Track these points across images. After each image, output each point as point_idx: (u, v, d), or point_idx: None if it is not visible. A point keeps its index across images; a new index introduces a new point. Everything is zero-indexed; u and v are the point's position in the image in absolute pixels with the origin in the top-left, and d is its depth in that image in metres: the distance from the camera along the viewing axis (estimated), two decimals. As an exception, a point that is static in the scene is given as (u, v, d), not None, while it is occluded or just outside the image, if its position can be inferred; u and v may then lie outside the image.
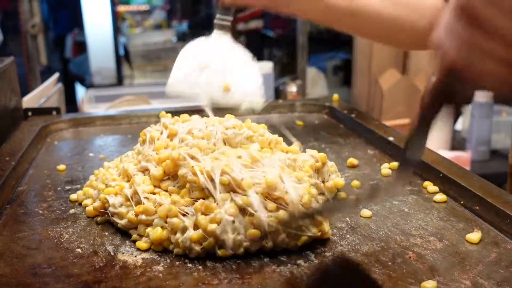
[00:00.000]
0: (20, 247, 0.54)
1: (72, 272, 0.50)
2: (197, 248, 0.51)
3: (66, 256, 0.53)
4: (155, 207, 0.55)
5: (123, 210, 0.57)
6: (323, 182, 0.65)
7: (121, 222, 0.57)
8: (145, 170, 0.61)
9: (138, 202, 0.57)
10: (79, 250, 0.54)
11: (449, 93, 0.39)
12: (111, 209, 0.58)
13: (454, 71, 0.37)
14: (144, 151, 0.64)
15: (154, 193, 0.58)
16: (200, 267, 0.50)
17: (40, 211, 0.63)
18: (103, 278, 0.48)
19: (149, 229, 0.54)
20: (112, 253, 0.53)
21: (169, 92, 0.71)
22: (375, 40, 0.84)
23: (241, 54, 0.68)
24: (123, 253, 0.53)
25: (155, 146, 0.64)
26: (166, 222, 0.54)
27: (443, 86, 0.38)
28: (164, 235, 0.53)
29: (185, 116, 0.71)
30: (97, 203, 0.60)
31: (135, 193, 0.58)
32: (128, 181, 0.61)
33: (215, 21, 0.68)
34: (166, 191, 0.59)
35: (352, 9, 0.69)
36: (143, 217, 0.55)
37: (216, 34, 0.68)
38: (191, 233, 0.52)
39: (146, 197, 0.57)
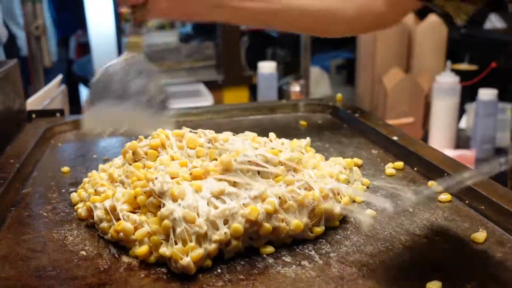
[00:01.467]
0: (25, 249, 0.55)
1: (77, 274, 0.50)
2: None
3: (70, 259, 0.53)
4: (135, 226, 0.53)
5: (105, 225, 0.56)
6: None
7: (106, 237, 0.56)
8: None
9: (119, 218, 0.55)
10: (84, 253, 0.54)
11: None
12: (95, 225, 0.58)
13: None
14: (126, 165, 0.62)
15: (135, 211, 0.56)
16: (204, 268, 0.50)
17: (45, 214, 0.63)
18: (108, 281, 0.49)
19: (135, 247, 0.53)
20: (116, 255, 0.53)
21: (87, 129, 0.77)
22: (305, 32, 0.98)
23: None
24: (127, 255, 0.53)
25: (133, 165, 0.61)
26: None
27: None
28: (153, 257, 0.52)
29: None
30: (84, 212, 0.60)
31: (115, 209, 0.56)
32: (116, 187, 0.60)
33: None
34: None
35: (285, 8, 0.80)
36: (122, 235, 0.54)
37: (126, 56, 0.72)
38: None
39: (125, 215, 0.55)
